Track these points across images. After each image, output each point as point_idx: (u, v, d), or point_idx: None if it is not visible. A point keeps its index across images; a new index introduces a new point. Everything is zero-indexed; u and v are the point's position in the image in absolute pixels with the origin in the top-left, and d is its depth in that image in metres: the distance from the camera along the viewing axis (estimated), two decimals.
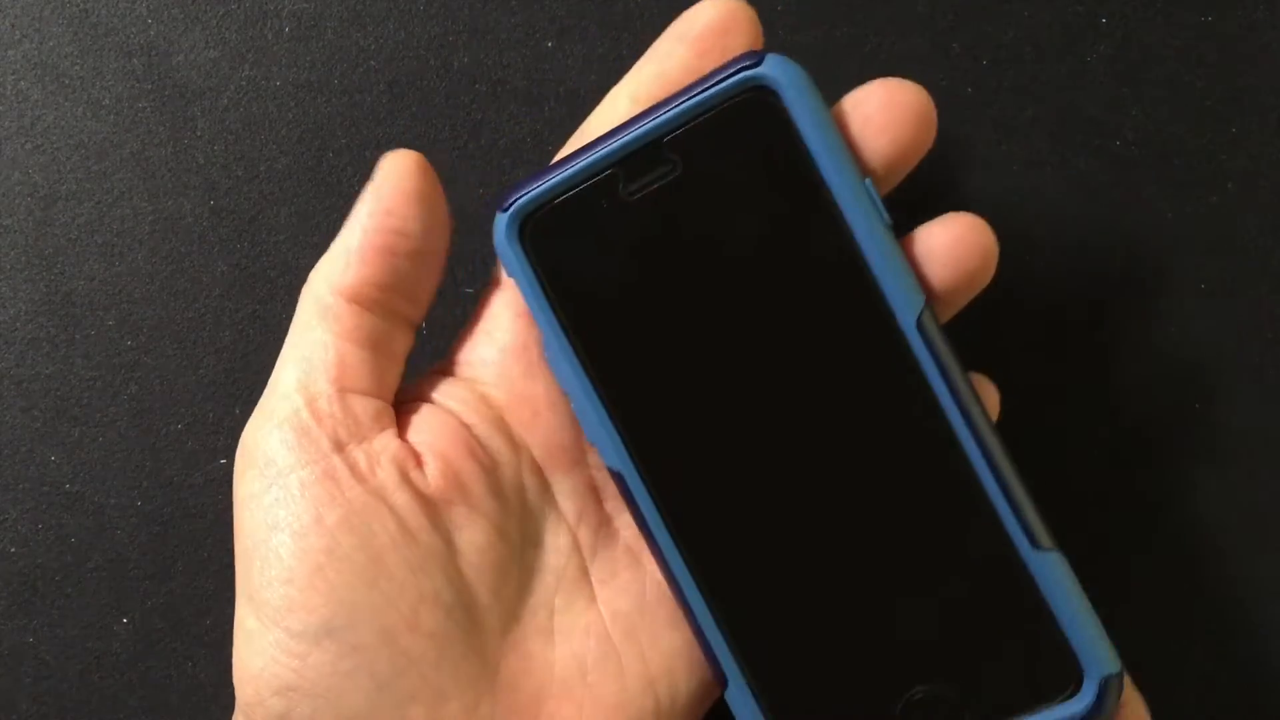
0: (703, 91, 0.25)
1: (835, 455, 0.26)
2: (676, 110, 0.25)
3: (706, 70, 0.26)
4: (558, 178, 0.26)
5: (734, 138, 0.25)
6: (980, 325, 0.33)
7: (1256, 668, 0.32)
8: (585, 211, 0.26)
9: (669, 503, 0.26)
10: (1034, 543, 0.25)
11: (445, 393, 0.27)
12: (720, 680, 0.26)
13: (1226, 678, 0.32)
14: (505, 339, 0.27)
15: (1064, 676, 0.25)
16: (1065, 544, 0.26)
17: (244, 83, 0.33)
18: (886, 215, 0.25)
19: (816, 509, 0.26)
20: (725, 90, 0.25)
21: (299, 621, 0.24)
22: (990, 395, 0.28)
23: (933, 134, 0.26)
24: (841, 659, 0.26)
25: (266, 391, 0.26)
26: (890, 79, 0.26)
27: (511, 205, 0.26)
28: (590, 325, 0.26)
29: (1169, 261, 0.33)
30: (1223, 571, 0.32)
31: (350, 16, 0.33)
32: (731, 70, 0.25)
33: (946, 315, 0.27)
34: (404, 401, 0.28)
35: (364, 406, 0.26)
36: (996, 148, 0.33)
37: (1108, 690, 0.24)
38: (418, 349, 0.31)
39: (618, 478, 0.26)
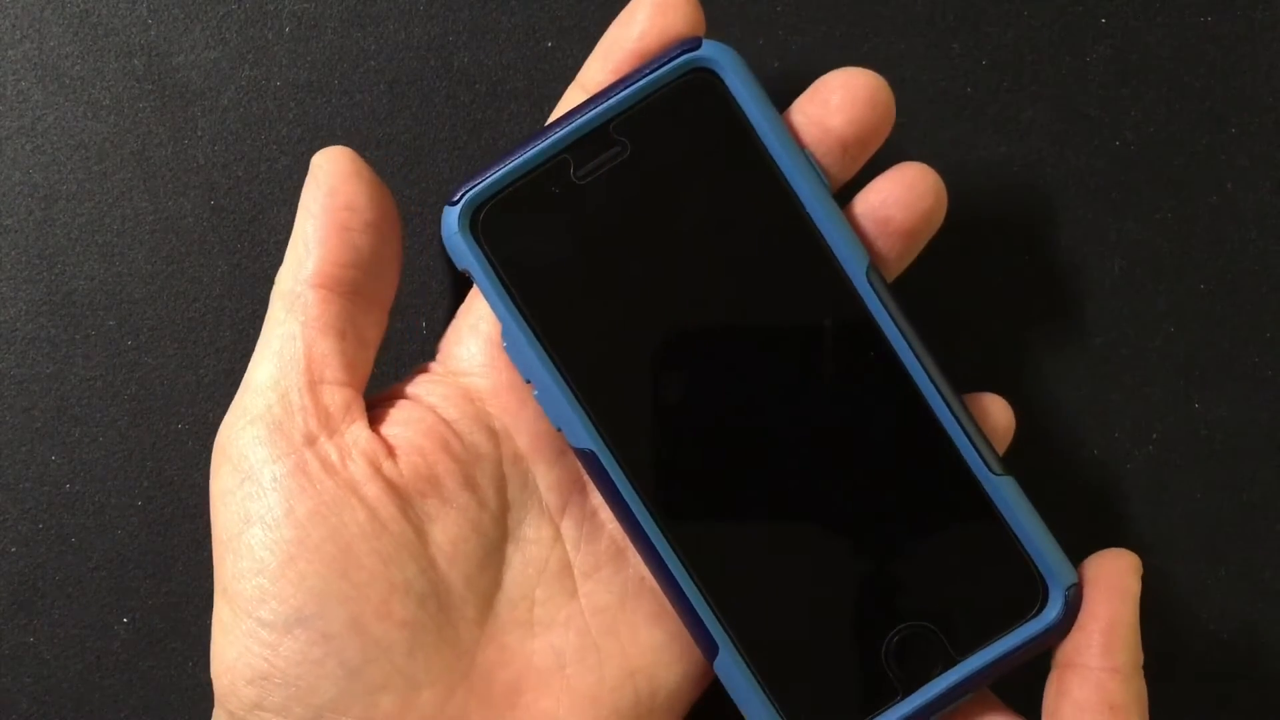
0: (645, 75, 0.26)
1: (802, 411, 0.27)
2: (621, 95, 0.26)
3: (651, 53, 0.27)
4: (507, 168, 0.26)
5: (678, 117, 0.26)
6: (980, 325, 0.33)
7: (1257, 666, 0.32)
8: (537, 198, 0.26)
9: (640, 475, 0.26)
10: (990, 469, 0.26)
11: (426, 389, 0.28)
12: (708, 650, 0.26)
13: (1226, 675, 0.32)
14: (490, 329, 0.28)
15: (1031, 593, 0.26)
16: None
17: (244, 83, 0.33)
18: (826, 180, 0.27)
19: (786, 466, 0.26)
20: (667, 73, 0.26)
21: (270, 611, 0.25)
22: (1003, 414, 0.28)
23: (890, 118, 0.28)
24: (823, 611, 0.26)
25: (240, 389, 0.27)
26: (848, 68, 0.27)
27: (461, 198, 0.26)
28: (549, 308, 0.26)
29: (1169, 261, 0.33)
30: (1223, 570, 0.32)
31: (350, 16, 0.33)
32: (672, 54, 0.26)
33: (908, 258, 0.28)
34: (384, 398, 0.28)
35: (335, 398, 0.26)
36: (996, 148, 0.33)
37: (1072, 599, 0.26)
38: (418, 349, 0.32)
39: (588, 457, 0.26)
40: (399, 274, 0.28)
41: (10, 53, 0.33)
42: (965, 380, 0.28)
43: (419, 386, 0.28)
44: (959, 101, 0.33)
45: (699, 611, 0.26)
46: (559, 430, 0.26)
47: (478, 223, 0.26)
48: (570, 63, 0.33)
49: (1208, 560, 0.32)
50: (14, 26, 0.33)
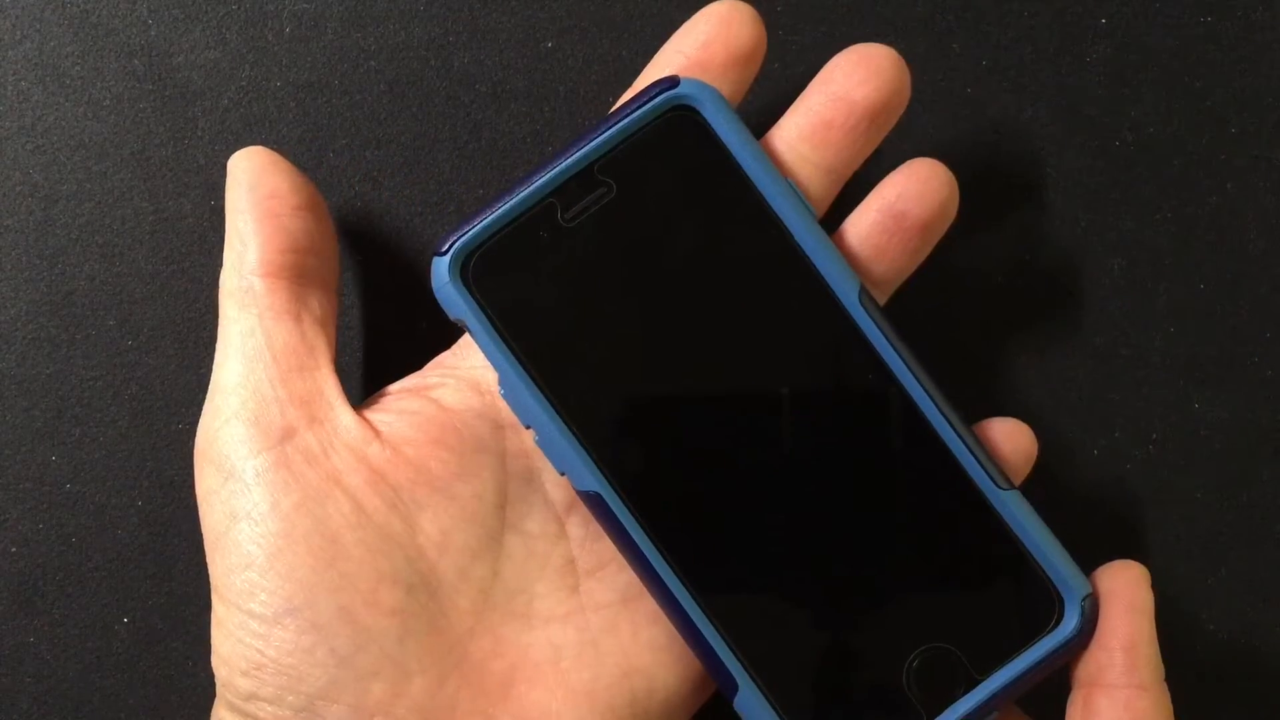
0: (627, 116, 0.26)
1: (807, 441, 0.26)
2: (604, 136, 0.26)
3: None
4: (494, 215, 0.26)
5: (662, 155, 0.27)
6: (981, 324, 0.33)
7: (1257, 666, 0.32)
8: (526, 243, 0.26)
9: (647, 514, 0.26)
10: (997, 483, 0.26)
11: (436, 379, 0.28)
12: (728, 688, 0.26)
13: (1226, 675, 0.32)
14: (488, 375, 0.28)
15: (1048, 607, 0.26)
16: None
17: (244, 83, 0.33)
18: (812, 209, 0.27)
19: (793, 496, 0.26)
20: (648, 112, 0.26)
21: (260, 604, 0.25)
22: (1026, 442, 0.28)
23: (906, 90, 0.28)
24: (841, 641, 0.26)
25: (210, 390, 0.27)
26: (862, 44, 0.28)
27: (450, 248, 0.26)
28: (544, 353, 0.26)
29: (1168, 261, 0.33)
30: (1222, 569, 0.32)
31: (350, 16, 0.33)
32: (652, 93, 0.26)
33: (924, 252, 0.28)
34: (391, 388, 0.28)
35: (307, 382, 0.27)
36: (996, 148, 0.33)
37: (1088, 611, 0.26)
38: (419, 349, 0.32)
39: (593, 499, 0.26)
40: (336, 253, 0.29)
41: (10, 53, 0.33)
42: (965, 380, 0.28)
43: (429, 377, 0.28)
44: (959, 101, 0.33)
45: (715, 648, 0.26)
46: (563, 475, 0.26)
47: (468, 271, 0.26)
48: (570, 63, 0.33)
49: (1208, 560, 0.32)
50: (14, 26, 0.33)
